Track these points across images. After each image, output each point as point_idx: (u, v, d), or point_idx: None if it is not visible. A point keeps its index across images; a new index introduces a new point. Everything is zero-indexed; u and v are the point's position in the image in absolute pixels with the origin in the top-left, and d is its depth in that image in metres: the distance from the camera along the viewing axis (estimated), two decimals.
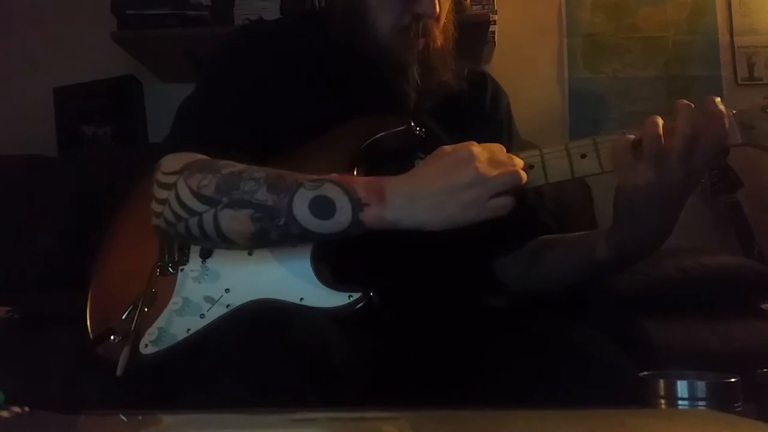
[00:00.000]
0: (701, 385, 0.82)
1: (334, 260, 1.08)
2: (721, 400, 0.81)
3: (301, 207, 1.00)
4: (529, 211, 1.26)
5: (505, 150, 1.02)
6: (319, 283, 1.05)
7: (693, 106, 0.94)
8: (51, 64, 2.40)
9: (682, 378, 0.83)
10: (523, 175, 0.98)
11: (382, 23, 1.15)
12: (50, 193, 2.07)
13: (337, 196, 0.99)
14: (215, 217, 1.03)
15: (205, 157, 1.10)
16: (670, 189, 0.97)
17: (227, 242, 1.05)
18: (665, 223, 1.03)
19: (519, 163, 1.01)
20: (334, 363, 0.95)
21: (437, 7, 1.12)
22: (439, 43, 1.18)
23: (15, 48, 2.42)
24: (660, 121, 0.95)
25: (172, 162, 1.10)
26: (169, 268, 1.13)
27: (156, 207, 1.08)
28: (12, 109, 2.37)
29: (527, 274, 1.25)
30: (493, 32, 2.26)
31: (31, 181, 2.11)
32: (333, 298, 1.04)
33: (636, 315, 1.63)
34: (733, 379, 0.82)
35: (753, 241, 2.08)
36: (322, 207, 0.99)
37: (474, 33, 2.12)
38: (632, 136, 0.97)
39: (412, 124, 1.13)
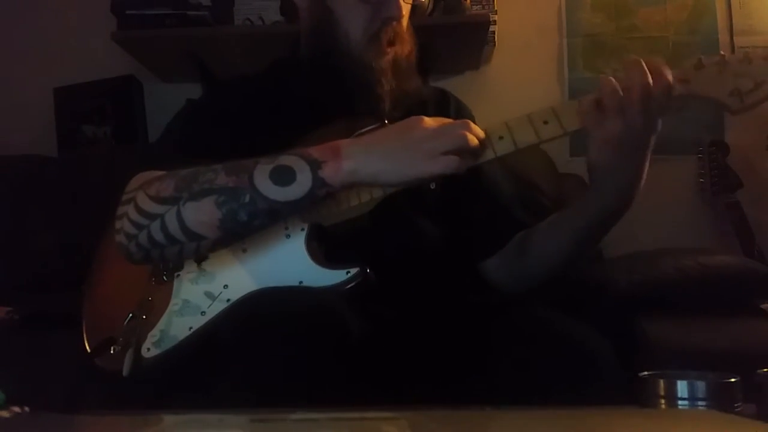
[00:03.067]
0: (701, 385, 0.82)
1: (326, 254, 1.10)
2: (721, 400, 0.81)
3: (262, 180, 1.02)
4: (504, 212, 1.29)
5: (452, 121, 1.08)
6: (315, 264, 1.07)
7: (641, 59, 1.05)
8: (51, 64, 2.40)
9: (682, 378, 0.83)
10: (471, 137, 1.03)
11: (353, 33, 1.18)
12: (50, 193, 2.07)
13: (294, 161, 1.03)
14: (178, 213, 1.03)
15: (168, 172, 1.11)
16: (635, 136, 1.04)
17: (195, 238, 1.04)
18: (636, 170, 1.09)
19: (466, 130, 1.05)
20: (345, 333, 0.97)
21: (402, 9, 1.17)
22: (406, 51, 1.22)
23: (15, 48, 2.42)
24: (614, 79, 1.04)
25: (133, 182, 1.12)
26: (164, 276, 1.14)
27: (117, 224, 1.09)
28: (12, 109, 2.37)
29: (514, 268, 1.26)
30: (493, 32, 2.26)
31: (31, 181, 2.11)
32: (331, 276, 1.06)
33: (635, 315, 1.63)
34: (733, 379, 0.82)
35: (753, 241, 2.08)
36: (283, 174, 1.02)
37: (474, 33, 2.12)
38: (593, 96, 1.06)
39: (386, 122, 1.15)
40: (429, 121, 1.04)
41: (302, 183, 1.02)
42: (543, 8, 2.42)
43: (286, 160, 1.03)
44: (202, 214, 1.03)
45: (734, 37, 2.38)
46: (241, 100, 1.25)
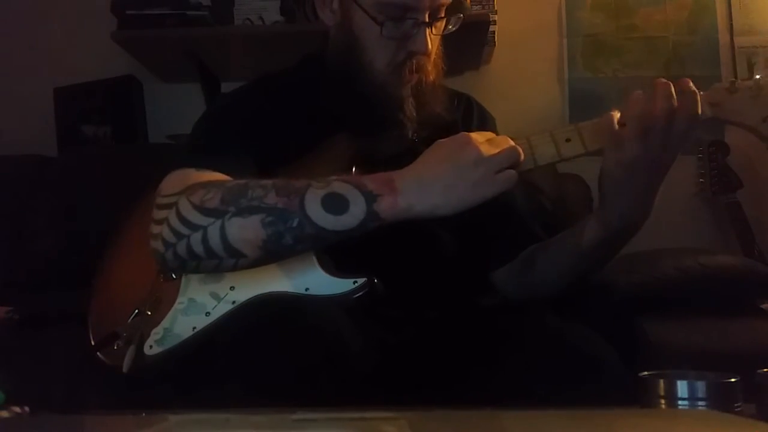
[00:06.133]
0: (701, 385, 0.82)
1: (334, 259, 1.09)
2: (721, 400, 0.81)
3: (313, 205, 0.99)
4: (519, 223, 1.29)
5: (496, 134, 1.06)
6: (323, 273, 1.06)
7: (670, 84, 1.01)
8: (51, 64, 2.40)
9: (682, 378, 0.83)
10: (521, 150, 1.02)
11: (378, 62, 1.17)
12: (50, 193, 2.07)
13: (348, 191, 1.00)
14: (222, 228, 1.00)
15: (212, 177, 1.08)
16: (653, 162, 1.02)
17: (235, 255, 1.01)
18: (648, 194, 1.07)
19: (513, 143, 1.04)
20: (346, 346, 0.97)
21: (429, 44, 1.15)
22: (431, 78, 1.20)
23: (15, 48, 2.42)
24: (643, 99, 1.00)
25: (173, 183, 1.09)
26: (173, 274, 1.13)
27: (154, 228, 1.05)
28: (12, 109, 2.37)
29: (522, 280, 1.26)
30: (493, 32, 2.26)
31: (31, 181, 2.11)
32: (338, 285, 1.05)
33: (635, 315, 1.63)
34: (733, 379, 0.82)
35: (753, 241, 2.09)
36: (336, 203, 0.99)
37: (474, 33, 2.12)
38: (616, 115, 1.04)
39: (407, 129, 1.16)
40: (477, 139, 1.01)
41: (355, 214, 0.99)
42: (543, 8, 2.42)
43: (340, 187, 1.00)
44: (246, 232, 1.00)
45: (734, 37, 2.38)
46: (268, 101, 1.23)
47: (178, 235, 1.02)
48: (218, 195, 1.02)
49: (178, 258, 1.03)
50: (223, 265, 1.03)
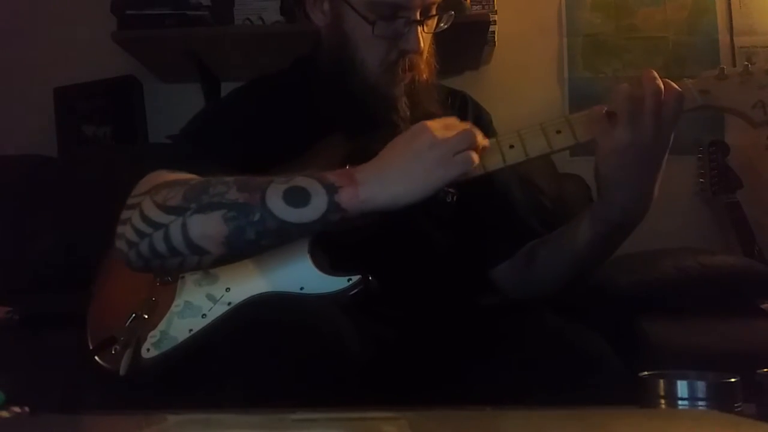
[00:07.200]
0: (701, 385, 0.82)
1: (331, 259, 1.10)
2: (721, 400, 0.81)
3: (275, 199, 0.99)
4: (517, 220, 1.29)
5: (457, 120, 1.06)
6: (318, 271, 1.06)
7: (654, 72, 1.02)
8: (51, 64, 2.40)
9: (682, 378, 0.83)
10: (477, 132, 1.02)
11: (370, 61, 1.17)
12: (50, 193, 2.07)
13: (310, 184, 1.00)
14: (183, 225, 1.00)
15: (179, 176, 1.08)
16: (645, 149, 1.02)
17: (197, 252, 1.01)
18: (645, 186, 1.06)
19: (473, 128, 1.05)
20: (344, 345, 0.97)
21: (421, 42, 1.15)
22: (424, 76, 1.20)
23: (15, 48, 2.42)
24: (629, 87, 1.01)
25: (144, 184, 1.09)
26: (169, 278, 1.13)
27: (119, 228, 1.05)
28: (12, 109, 2.37)
29: (523, 277, 1.26)
30: (493, 32, 2.26)
31: (31, 181, 2.11)
32: (333, 283, 1.06)
33: (635, 315, 1.63)
34: (733, 379, 0.82)
35: (753, 241, 2.09)
36: (297, 196, 0.99)
37: (474, 33, 2.12)
38: (605, 107, 1.04)
39: (401, 128, 1.15)
40: (432, 125, 1.02)
41: (316, 206, 0.99)
42: (543, 8, 2.42)
43: (302, 181, 1.00)
44: (208, 228, 0.99)
45: (734, 37, 2.38)
46: (261, 103, 1.23)
47: (141, 235, 1.02)
48: (180, 193, 1.02)
49: (142, 257, 1.03)
50: (186, 262, 1.02)
